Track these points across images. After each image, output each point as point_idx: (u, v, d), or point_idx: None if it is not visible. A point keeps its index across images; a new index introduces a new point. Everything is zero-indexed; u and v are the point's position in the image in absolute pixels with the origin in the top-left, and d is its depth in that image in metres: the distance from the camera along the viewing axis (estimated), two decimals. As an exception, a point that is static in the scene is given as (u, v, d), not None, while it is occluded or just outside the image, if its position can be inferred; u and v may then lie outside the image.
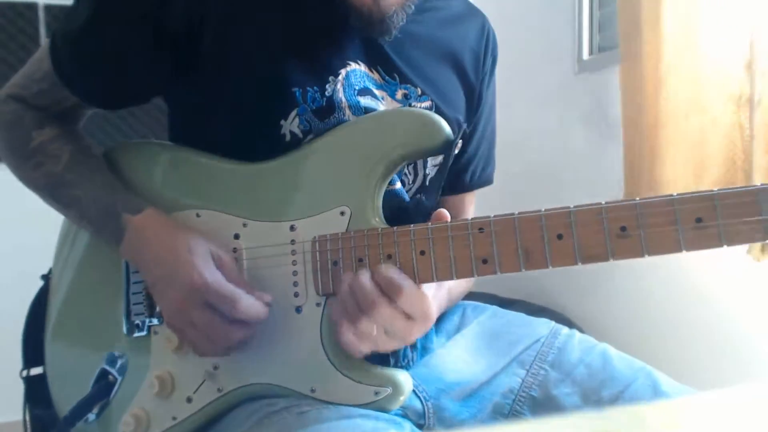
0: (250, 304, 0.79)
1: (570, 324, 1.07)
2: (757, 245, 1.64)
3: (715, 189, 0.66)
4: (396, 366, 0.92)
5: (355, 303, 0.76)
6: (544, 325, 1.03)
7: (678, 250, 0.68)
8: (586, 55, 2.56)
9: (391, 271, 0.76)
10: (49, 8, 2.67)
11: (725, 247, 0.66)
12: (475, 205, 1.17)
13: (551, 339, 0.99)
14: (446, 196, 1.11)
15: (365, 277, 0.76)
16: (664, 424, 0.41)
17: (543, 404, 0.92)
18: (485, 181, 1.13)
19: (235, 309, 0.78)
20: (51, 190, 0.92)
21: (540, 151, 2.74)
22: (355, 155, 0.84)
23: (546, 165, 2.68)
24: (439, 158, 0.97)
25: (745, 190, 0.66)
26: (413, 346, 0.96)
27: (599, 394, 0.91)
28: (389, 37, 0.91)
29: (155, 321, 0.89)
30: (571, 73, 2.58)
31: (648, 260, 2.00)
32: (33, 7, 2.67)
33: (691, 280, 2.00)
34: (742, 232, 0.66)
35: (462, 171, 1.09)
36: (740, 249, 1.70)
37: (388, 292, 0.75)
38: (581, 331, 1.03)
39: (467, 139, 1.07)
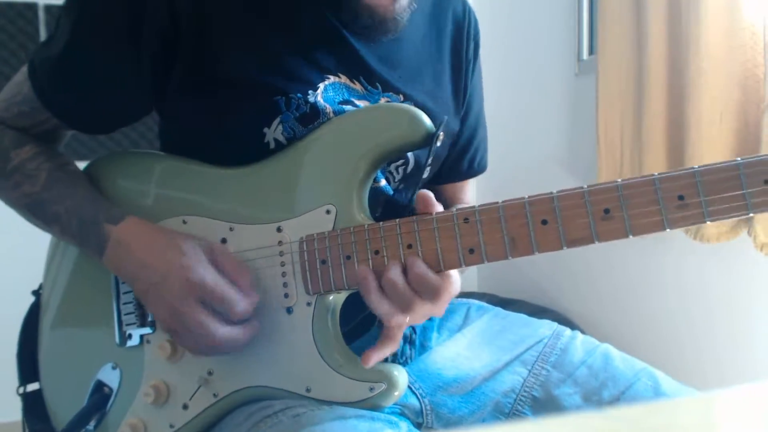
0: (247, 306, 0.79)
1: (571, 324, 1.07)
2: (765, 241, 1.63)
3: (696, 166, 0.65)
4: (393, 363, 0.91)
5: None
6: (546, 327, 1.03)
7: (662, 228, 0.68)
8: (586, 55, 2.54)
9: (423, 272, 0.75)
10: (49, 8, 2.68)
11: (708, 222, 0.64)
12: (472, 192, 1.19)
13: (554, 340, 0.99)
14: (444, 185, 1.12)
15: (400, 279, 0.76)
16: (664, 424, 0.40)
17: (544, 404, 0.92)
18: (481, 169, 1.15)
19: (232, 310, 0.78)
20: (32, 209, 0.91)
21: (539, 151, 2.73)
22: (337, 153, 0.83)
23: (546, 165, 2.66)
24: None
25: (726, 165, 0.65)
26: (412, 344, 0.96)
27: (600, 394, 0.90)
28: (394, 35, 0.91)
29: (147, 330, 0.89)
30: (571, 73, 2.57)
31: (651, 260, 1.99)
32: (33, 7, 2.68)
33: (692, 279, 1.99)
34: (724, 208, 0.65)
35: (459, 159, 1.10)
36: (747, 248, 1.69)
37: (425, 295, 0.76)
38: (582, 331, 1.03)
39: (460, 128, 1.07)
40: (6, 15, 2.66)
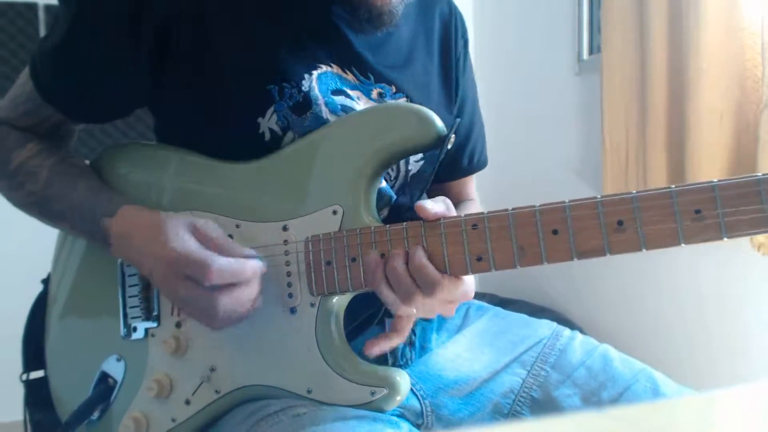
0: (223, 265, 0.74)
1: (571, 324, 1.05)
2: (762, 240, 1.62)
3: (715, 180, 0.63)
4: (394, 365, 0.91)
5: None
6: (546, 327, 1.01)
7: (677, 243, 0.65)
8: (586, 55, 2.52)
9: (421, 263, 0.73)
10: (49, 8, 2.67)
11: (725, 239, 0.62)
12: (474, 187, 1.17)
13: (553, 341, 0.97)
14: (446, 183, 1.11)
15: (401, 268, 0.74)
16: (663, 425, 0.39)
17: (543, 405, 0.90)
18: (482, 164, 1.13)
19: (206, 274, 0.73)
20: (38, 208, 0.90)
21: (539, 151, 2.72)
22: (345, 153, 0.81)
23: (546, 165, 2.65)
24: (419, 154, 0.95)
25: (746, 180, 0.62)
26: (412, 345, 0.95)
27: (599, 395, 0.89)
28: (388, 28, 0.89)
29: (152, 324, 0.87)
30: (571, 73, 2.55)
31: (650, 260, 2.00)
32: (33, 7, 2.67)
33: (692, 279, 1.98)
34: (742, 224, 0.62)
35: (458, 157, 1.08)
36: (743, 248, 1.68)
37: (423, 286, 0.73)
38: (582, 331, 1.01)
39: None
40: (6, 15, 2.65)
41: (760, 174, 0.62)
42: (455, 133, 1.05)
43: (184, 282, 0.75)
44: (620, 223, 0.67)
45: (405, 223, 0.76)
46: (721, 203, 0.63)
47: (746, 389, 0.42)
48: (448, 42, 1.04)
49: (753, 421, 0.40)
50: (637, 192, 0.66)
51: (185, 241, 0.76)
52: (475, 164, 1.11)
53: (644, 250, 0.66)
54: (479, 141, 1.12)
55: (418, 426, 0.89)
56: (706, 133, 1.71)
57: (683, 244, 0.64)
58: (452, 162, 1.08)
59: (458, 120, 0.83)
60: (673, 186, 0.64)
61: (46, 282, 1.00)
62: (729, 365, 1.83)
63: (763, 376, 1.70)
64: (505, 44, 2.85)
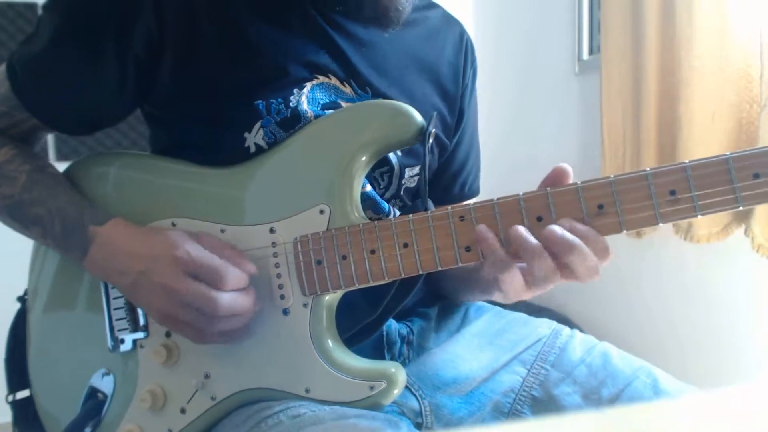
0: (237, 275, 0.80)
1: (570, 324, 1.09)
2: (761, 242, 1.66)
3: (687, 161, 0.68)
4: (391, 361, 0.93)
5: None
6: (545, 326, 1.05)
7: (654, 223, 0.70)
8: (586, 55, 2.57)
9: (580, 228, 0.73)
10: None
11: (699, 216, 0.67)
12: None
13: (553, 339, 1.01)
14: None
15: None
16: (664, 424, 0.42)
17: (543, 404, 0.93)
18: (473, 193, 1.17)
19: (223, 277, 0.78)
20: (10, 211, 0.92)
21: (539, 151, 2.76)
22: (329, 152, 0.85)
23: (545, 165, 2.68)
24: (416, 169, 1.00)
25: (716, 160, 0.68)
26: (409, 345, 0.98)
27: (599, 393, 0.92)
28: (395, 27, 0.93)
29: (140, 335, 0.90)
30: (571, 73, 2.60)
31: (649, 259, 2.00)
32: (33, 7, 2.73)
33: (691, 279, 2.01)
34: (715, 202, 0.68)
35: (451, 183, 1.12)
36: (742, 247, 1.72)
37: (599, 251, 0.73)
38: (581, 330, 1.04)
39: (454, 151, 1.10)
40: (6, 15, 2.70)
41: (729, 153, 0.67)
42: (453, 156, 1.09)
43: (189, 281, 0.78)
44: (600, 206, 0.73)
45: (392, 219, 0.80)
46: (693, 183, 0.69)
47: (746, 389, 0.45)
48: (456, 69, 1.07)
49: (753, 421, 0.42)
50: (614, 176, 0.71)
51: (195, 245, 0.81)
52: (466, 192, 1.15)
53: (624, 232, 0.72)
54: (473, 170, 1.16)
55: (417, 425, 0.92)
56: (699, 132, 1.76)
57: (661, 224, 0.70)
58: (444, 189, 1.12)
59: (435, 113, 0.87)
60: (648, 169, 0.70)
61: (22, 299, 1.01)
62: (727, 365, 1.86)
63: (763, 376, 1.72)
64: (506, 44, 2.89)
